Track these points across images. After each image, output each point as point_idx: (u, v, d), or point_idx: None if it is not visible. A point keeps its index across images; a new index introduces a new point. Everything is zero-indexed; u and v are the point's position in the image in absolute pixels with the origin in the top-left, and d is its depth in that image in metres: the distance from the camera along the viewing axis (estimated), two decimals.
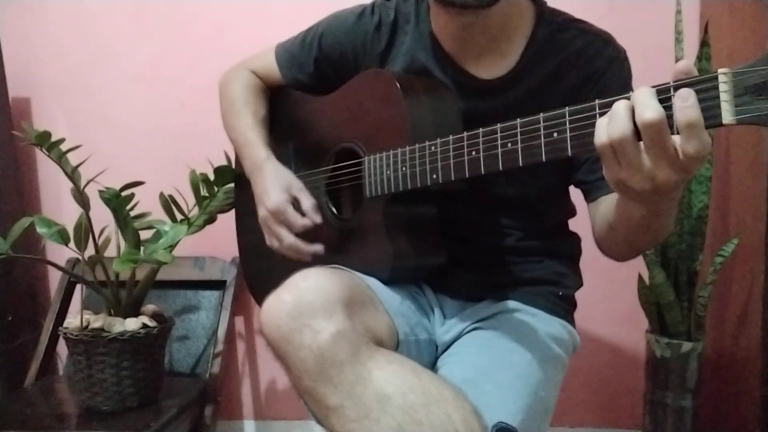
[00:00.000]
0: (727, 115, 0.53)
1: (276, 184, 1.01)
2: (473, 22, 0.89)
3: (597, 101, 0.62)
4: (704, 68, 1.32)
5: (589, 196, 0.93)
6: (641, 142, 0.58)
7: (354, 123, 0.99)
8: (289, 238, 0.99)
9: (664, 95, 0.56)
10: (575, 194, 1.02)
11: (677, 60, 1.34)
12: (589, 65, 0.90)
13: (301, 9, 1.37)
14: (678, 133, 0.55)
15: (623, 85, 0.90)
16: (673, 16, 1.35)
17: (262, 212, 1.04)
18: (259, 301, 0.83)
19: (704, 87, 0.54)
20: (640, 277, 1.42)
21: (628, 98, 0.59)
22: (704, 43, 1.32)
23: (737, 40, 1.39)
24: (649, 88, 0.57)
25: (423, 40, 0.97)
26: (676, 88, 0.55)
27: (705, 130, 0.54)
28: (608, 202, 0.83)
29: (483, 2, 0.84)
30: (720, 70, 0.53)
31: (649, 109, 0.56)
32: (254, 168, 1.07)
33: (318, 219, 0.99)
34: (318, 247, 0.98)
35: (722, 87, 0.53)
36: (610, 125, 0.59)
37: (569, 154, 0.65)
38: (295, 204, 1.00)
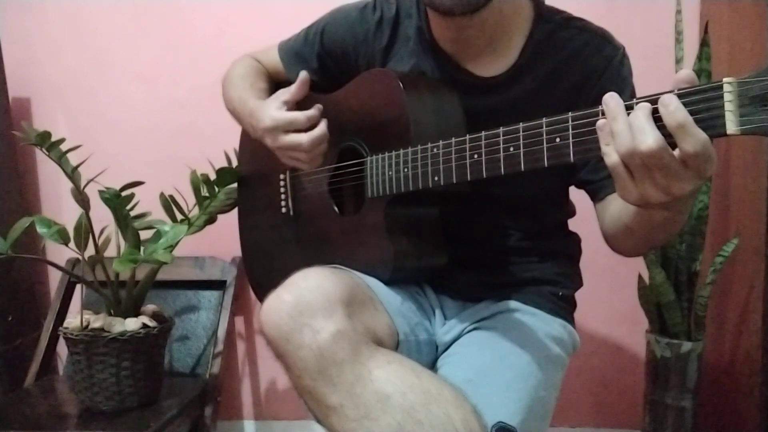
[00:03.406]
0: (732, 126, 0.52)
1: (262, 105, 0.96)
2: (467, 24, 0.89)
3: (600, 107, 0.61)
4: (704, 68, 1.32)
5: (597, 196, 0.91)
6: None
7: (357, 122, 0.99)
8: (304, 137, 0.90)
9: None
10: (574, 194, 1.02)
11: (677, 60, 1.34)
12: (589, 63, 0.90)
13: (301, 9, 1.37)
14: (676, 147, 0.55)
15: (624, 83, 0.90)
16: (673, 16, 1.35)
17: (266, 139, 0.95)
18: (263, 300, 0.83)
19: (708, 96, 0.53)
20: (640, 277, 1.42)
21: (630, 106, 0.58)
22: (704, 43, 1.32)
23: (737, 40, 1.39)
24: (645, 113, 0.56)
25: (422, 38, 0.97)
26: (680, 96, 0.55)
27: (696, 127, 0.53)
28: (620, 203, 0.81)
29: (468, 8, 0.84)
30: (725, 80, 0.52)
31: (647, 136, 0.55)
32: (251, 119, 1.00)
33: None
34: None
35: (727, 97, 0.52)
36: (616, 143, 0.58)
37: (572, 160, 0.65)
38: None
